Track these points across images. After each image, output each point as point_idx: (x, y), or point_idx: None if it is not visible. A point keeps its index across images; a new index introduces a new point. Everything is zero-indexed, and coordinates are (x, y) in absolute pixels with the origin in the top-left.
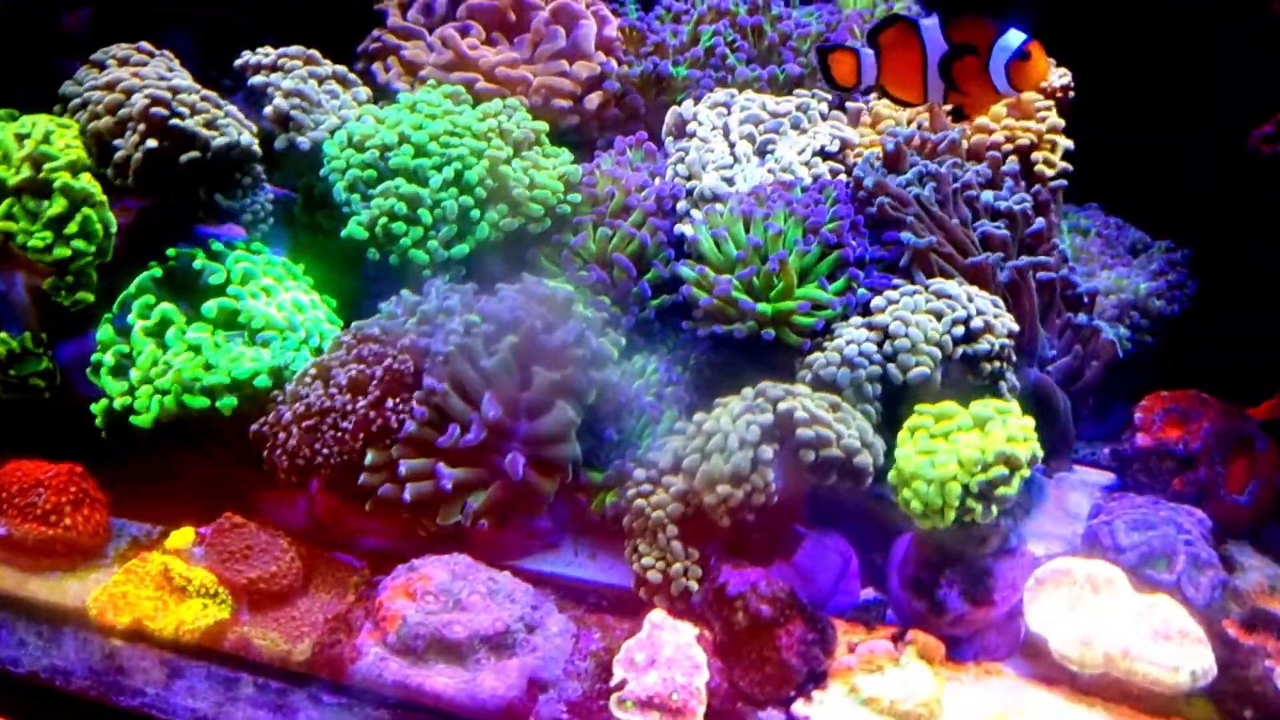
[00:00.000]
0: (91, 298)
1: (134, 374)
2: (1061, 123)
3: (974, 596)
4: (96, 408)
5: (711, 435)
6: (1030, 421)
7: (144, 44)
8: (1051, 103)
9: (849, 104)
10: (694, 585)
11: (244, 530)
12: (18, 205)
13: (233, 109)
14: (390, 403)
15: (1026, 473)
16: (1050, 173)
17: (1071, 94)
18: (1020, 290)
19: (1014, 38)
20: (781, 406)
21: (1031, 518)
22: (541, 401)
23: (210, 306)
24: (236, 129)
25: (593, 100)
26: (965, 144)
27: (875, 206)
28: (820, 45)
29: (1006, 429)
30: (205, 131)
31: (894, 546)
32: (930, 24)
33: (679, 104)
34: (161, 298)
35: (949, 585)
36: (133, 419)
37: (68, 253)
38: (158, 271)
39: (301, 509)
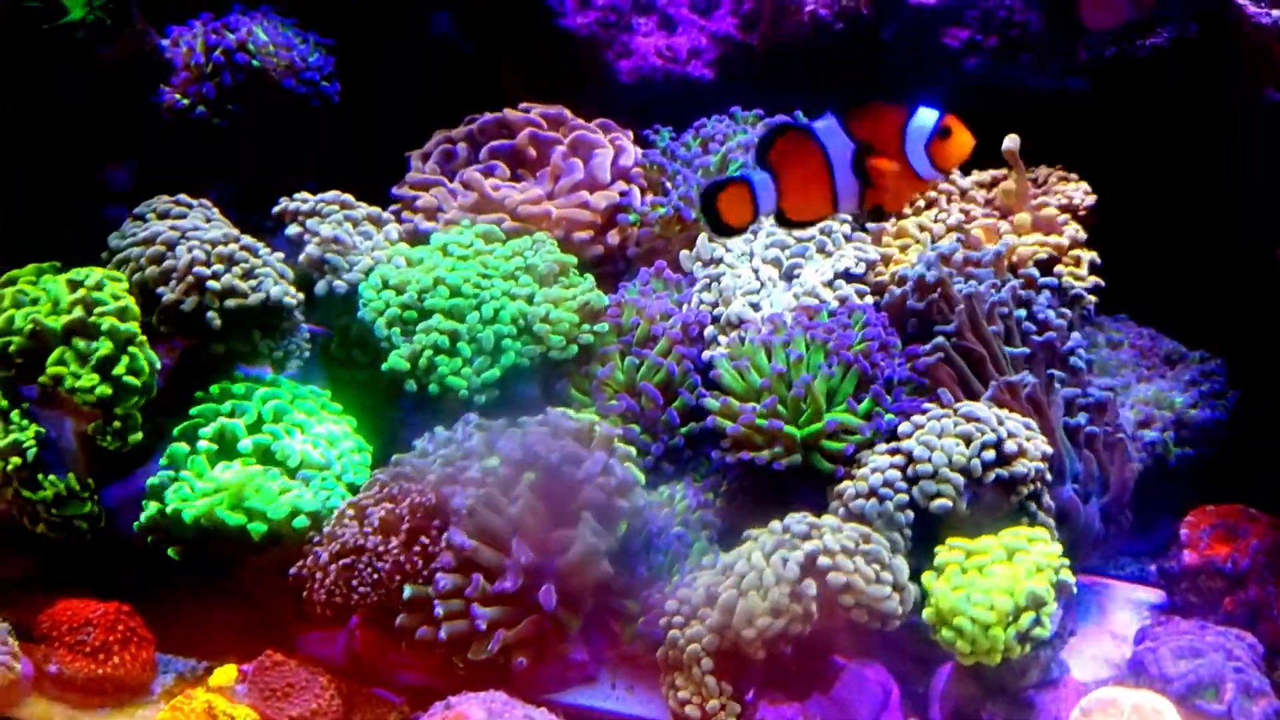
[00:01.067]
0: (140, 436)
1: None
2: (1084, 235)
3: None
4: (149, 508)
5: (744, 575)
6: (1057, 549)
7: (183, 196)
8: (1069, 217)
9: (869, 224)
10: None
11: (284, 668)
12: (68, 351)
13: (271, 257)
14: (422, 540)
15: (1053, 607)
16: (1078, 286)
17: (1093, 205)
18: (1044, 407)
19: (927, 116)
20: (807, 546)
21: (1077, 639)
22: (568, 537)
23: (246, 445)
24: (274, 279)
25: (613, 237)
26: (1008, 259)
27: (925, 304)
28: (705, 188)
29: (1032, 558)
30: (241, 284)
31: (935, 677)
32: (826, 125)
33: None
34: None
35: (990, 719)
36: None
37: (110, 391)
38: (201, 420)
39: (341, 645)
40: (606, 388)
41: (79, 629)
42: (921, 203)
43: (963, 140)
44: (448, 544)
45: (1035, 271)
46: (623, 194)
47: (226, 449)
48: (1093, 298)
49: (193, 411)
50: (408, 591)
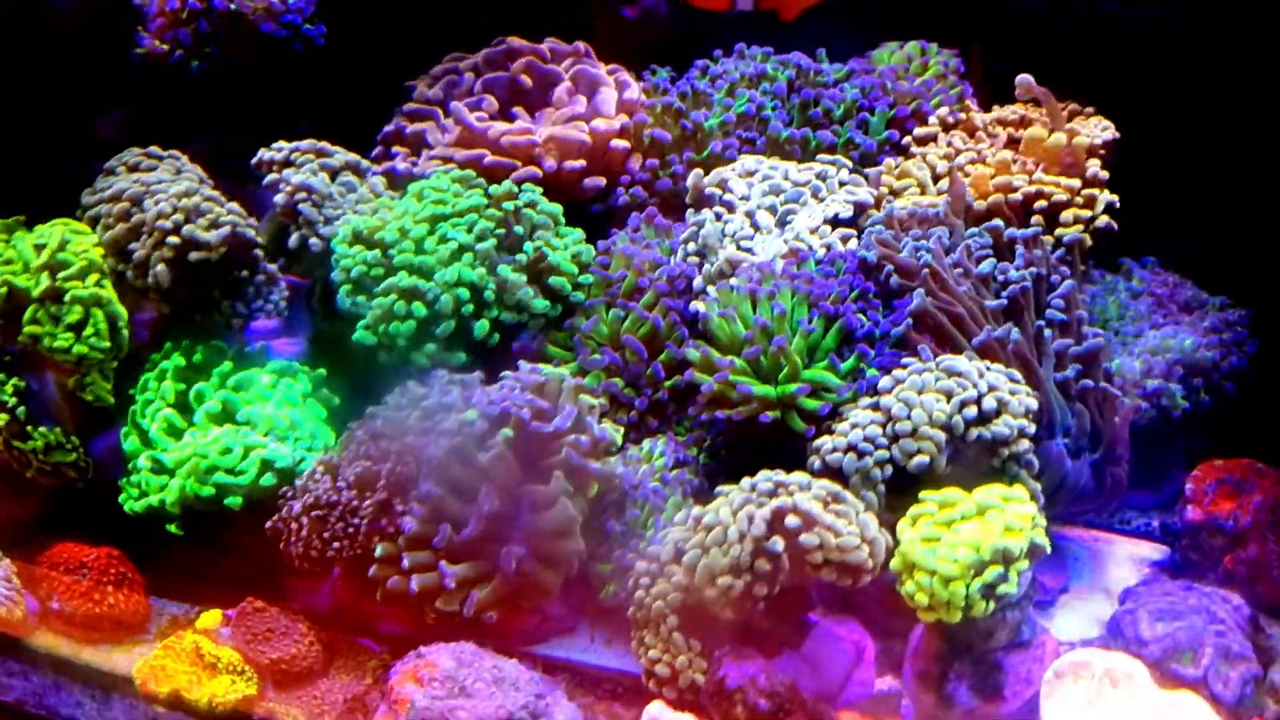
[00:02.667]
0: (109, 395)
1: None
2: (1104, 175)
3: (983, 691)
4: (134, 505)
5: (711, 528)
6: (1032, 509)
7: (154, 148)
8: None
9: (868, 169)
10: (699, 678)
11: (265, 614)
12: (42, 310)
13: (234, 205)
14: (397, 504)
15: (1024, 565)
16: (1072, 232)
17: (1115, 140)
18: (1030, 361)
19: None
20: (775, 503)
21: (1069, 596)
22: (543, 495)
23: (214, 405)
24: (240, 224)
25: (616, 146)
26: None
27: (883, 277)
28: None
29: (1005, 518)
30: (204, 235)
31: (912, 634)
32: None
33: (707, 160)
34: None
35: (958, 679)
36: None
37: (86, 350)
38: (167, 378)
39: (326, 594)
40: (590, 341)
41: (75, 570)
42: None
43: None
44: (417, 495)
45: (999, 223)
46: (623, 125)
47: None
48: (1088, 240)
49: (139, 392)
50: (380, 549)
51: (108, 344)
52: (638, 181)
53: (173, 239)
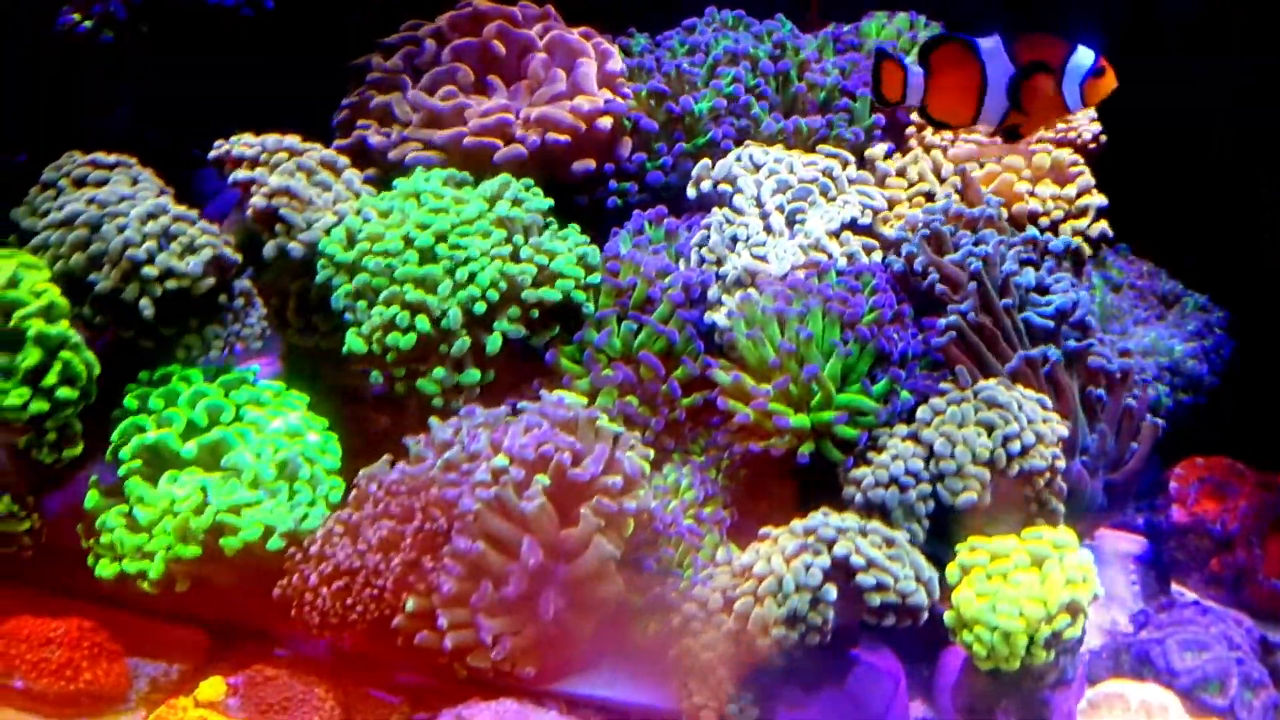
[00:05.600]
0: (78, 451)
1: (142, 517)
2: (1092, 181)
3: None
4: (104, 569)
5: (763, 578)
6: (1089, 557)
7: (99, 155)
8: (1081, 159)
9: (878, 164)
10: None
11: (278, 682)
12: None
13: (207, 225)
14: (427, 563)
15: (1089, 613)
16: (1077, 240)
17: (1103, 140)
18: (1063, 384)
19: (1086, 56)
20: (837, 551)
21: None
22: (576, 538)
23: (191, 449)
24: (213, 246)
25: (601, 126)
26: (1005, 215)
27: (926, 285)
28: (877, 49)
29: (1065, 570)
30: (181, 265)
31: (942, 658)
32: (991, 44)
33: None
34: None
35: (1005, 715)
36: (142, 584)
37: (46, 406)
38: (138, 419)
39: (324, 642)
40: (602, 356)
41: (40, 648)
42: (934, 138)
43: (1110, 83)
44: (452, 551)
45: (1035, 232)
46: (608, 102)
47: (162, 463)
48: (1088, 250)
49: (114, 434)
50: (410, 604)
51: (75, 394)
52: (627, 174)
53: (149, 270)
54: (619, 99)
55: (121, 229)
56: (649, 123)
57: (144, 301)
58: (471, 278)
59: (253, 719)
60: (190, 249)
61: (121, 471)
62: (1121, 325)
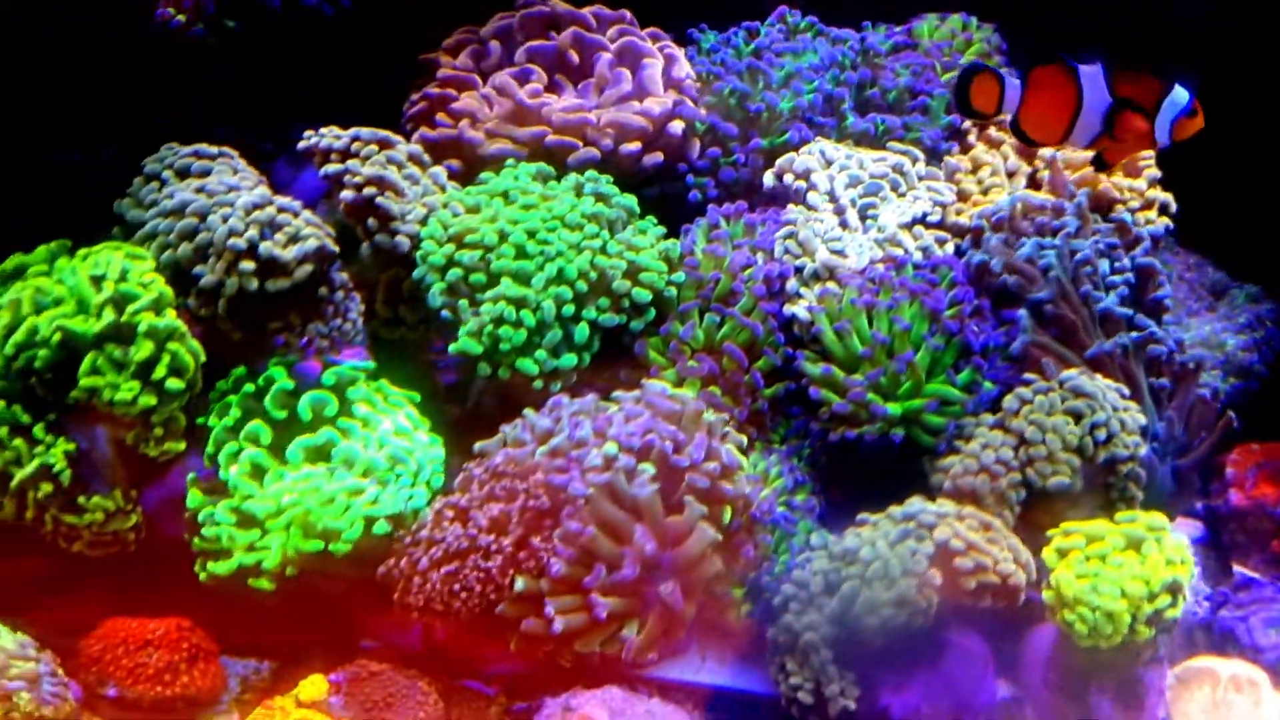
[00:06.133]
0: (182, 445)
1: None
2: (1159, 174)
3: (1126, 704)
4: (219, 567)
5: (869, 563)
6: (1184, 539)
7: (202, 146)
8: (1152, 154)
9: (947, 160)
10: (851, 705)
11: (382, 677)
12: (102, 357)
13: (309, 215)
14: (535, 540)
15: (1188, 594)
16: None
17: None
18: (1135, 373)
19: (1182, 96)
20: (938, 535)
21: None
22: (682, 524)
23: (295, 450)
24: (318, 238)
25: (675, 128)
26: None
27: (1000, 283)
28: (965, 66)
29: (1164, 551)
30: (285, 255)
31: (1033, 638)
32: (1092, 72)
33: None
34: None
35: (1099, 692)
36: (254, 582)
37: (154, 400)
38: (237, 413)
39: (415, 632)
40: (686, 348)
41: (138, 651)
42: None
43: (1199, 123)
44: (563, 534)
45: (1128, 216)
46: (676, 103)
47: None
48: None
49: (212, 424)
50: (520, 584)
51: (182, 385)
52: (699, 170)
53: (246, 263)
54: (689, 101)
55: (226, 219)
56: (727, 126)
57: (249, 288)
58: (562, 272)
59: (358, 718)
60: (294, 239)
61: (225, 474)
62: (1175, 316)
